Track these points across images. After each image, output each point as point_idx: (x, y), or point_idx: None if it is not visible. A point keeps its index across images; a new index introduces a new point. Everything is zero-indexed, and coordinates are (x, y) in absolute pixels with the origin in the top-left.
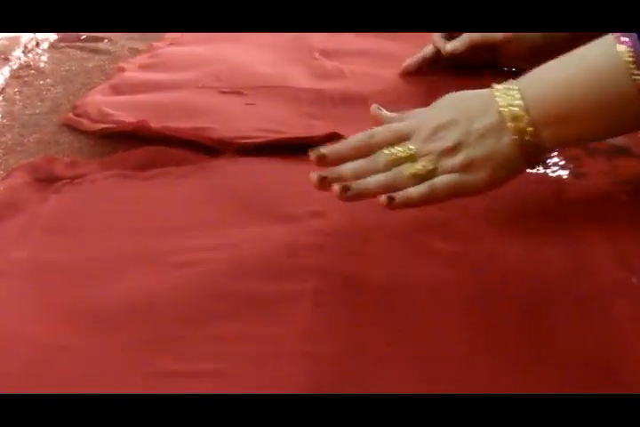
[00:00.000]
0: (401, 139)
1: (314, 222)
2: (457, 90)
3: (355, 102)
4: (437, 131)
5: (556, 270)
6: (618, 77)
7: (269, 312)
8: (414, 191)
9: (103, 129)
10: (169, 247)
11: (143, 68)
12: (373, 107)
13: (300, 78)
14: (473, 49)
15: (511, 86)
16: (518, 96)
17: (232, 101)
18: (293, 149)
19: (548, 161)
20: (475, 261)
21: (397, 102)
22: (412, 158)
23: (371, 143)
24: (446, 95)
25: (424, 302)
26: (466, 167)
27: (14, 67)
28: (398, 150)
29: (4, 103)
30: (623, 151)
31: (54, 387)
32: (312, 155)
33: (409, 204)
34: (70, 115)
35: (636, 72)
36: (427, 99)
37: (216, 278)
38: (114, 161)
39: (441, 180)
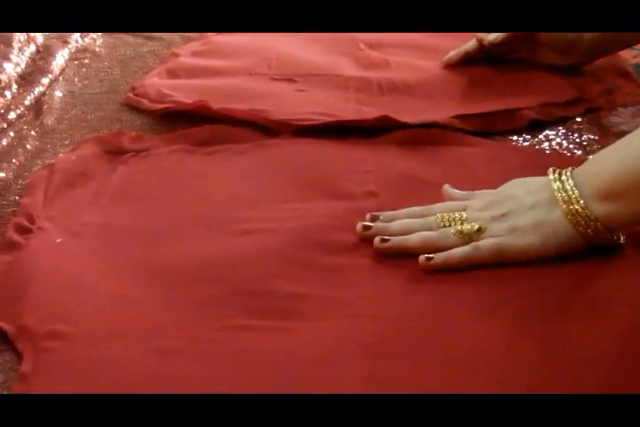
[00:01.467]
0: (457, 211)
1: (369, 201)
2: (497, 81)
3: (400, 91)
4: (492, 203)
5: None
6: None
7: (331, 279)
8: (456, 251)
9: (163, 108)
10: (231, 216)
11: (196, 54)
12: (445, 186)
13: (347, 67)
14: (514, 39)
15: (565, 170)
16: (571, 179)
17: (283, 88)
18: (345, 131)
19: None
20: None
21: (440, 91)
22: (462, 221)
23: (426, 213)
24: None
25: (472, 271)
26: (512, 231)
27: (72, 50)
28: (451, 215)
29: (64, 83)
30: None
31: (133, 336)
32: (359, 226)
33: (448, 263)
34: (130, 94)
35: None
36: (469, 88)
37: (280, 246)
38: (177, 137)
39: (486, 241)
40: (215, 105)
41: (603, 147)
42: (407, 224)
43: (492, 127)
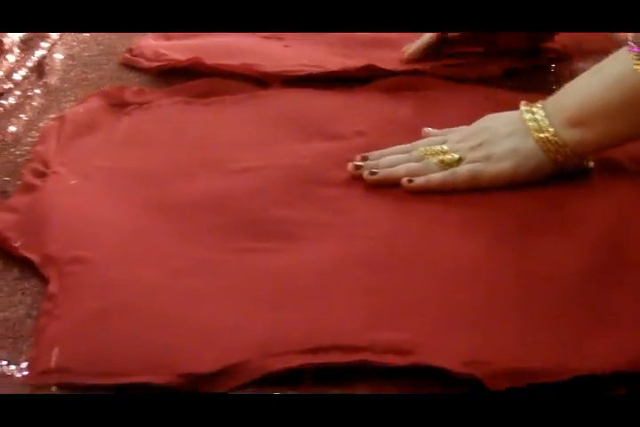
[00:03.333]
0: (438, 144)
1: (358, 140)
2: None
3: (382, 44)
4: (469, 135)
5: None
6: (628, 79)
7: (328, 206)
8: (435, 175)
9: (160, 66)
10: (232, 157)
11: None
12: (425, 128)
13: None
14: None
15: (536, 104)
16: (541, 110)
17: (273, 44)
18: (332, 81)
19: None
20: None
21: None
22: (443, 153)
23: (410, 149)
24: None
25: (455, 199)
26: (489, 158)
27: None
28: (432, 148)
29: (63, 47)
30: None
31: (147, 259)
32: (350, 166)
33: (428, 186)
34: (127, 55)
35: None
36: None
37: (278, 180)
38: (176, 90)
39: (463, 167)
40: (209, 61)
41: None
42: (394, 159)
43: (470, 74)
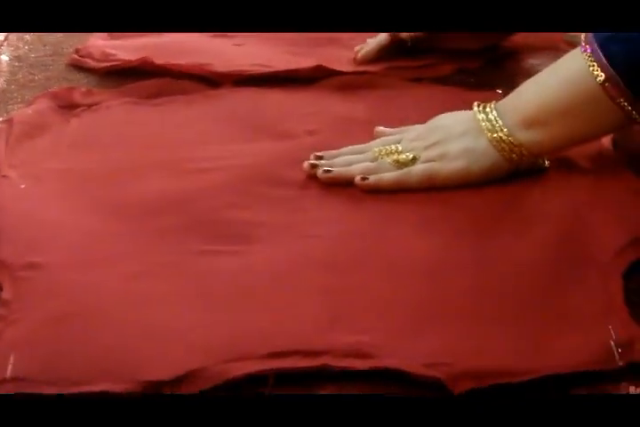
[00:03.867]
0: (392, 144)
1: (309, 139)
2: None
3: (332, 42)
4: (424, 134)
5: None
6: (583, 79)
7: (282, 206)
8: (389, 174)
9: (109, 66)
10: (184, 157)
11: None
12: (377, 127)
13: None
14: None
15: (489, 103)
16: (495, 111)
17: (222, 43)
18: (282, 80)
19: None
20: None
21: None
22: (397, 152)
23: (365, 149)
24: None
25: (411, 197)
26: (443, 157)
27: None
28: (387, 147)
29: (9, 48)
30: None
31: (101, 263)
32: (306, 164)
33: (381, 184)
34: (75, 56)
35: (597, 72)
36: None
37: (232, 181)
38: (125, 91)
39: (417, 166)
40: (158, 61)
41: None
42: (349, 159)
43: (423, 75)
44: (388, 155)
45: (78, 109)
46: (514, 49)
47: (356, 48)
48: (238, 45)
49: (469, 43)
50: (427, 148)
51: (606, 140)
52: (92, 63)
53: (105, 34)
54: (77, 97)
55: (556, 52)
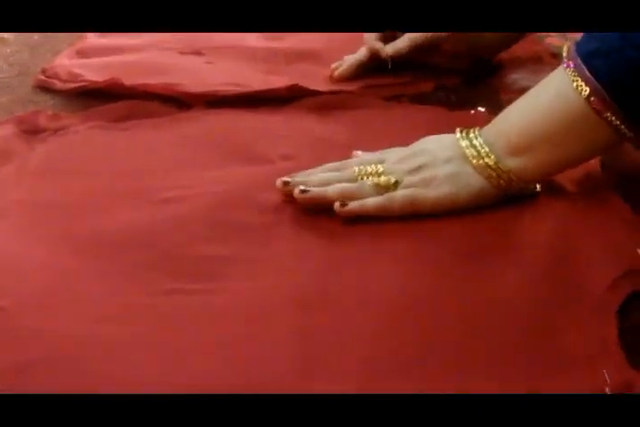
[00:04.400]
0: (373, 164)
1: (285, 164)
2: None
3: (307, 58)
4: (406, 157)
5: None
6: (568, 96)
7: (254, 237)
8: (371, 200)
9: (76, 88)
10: (153, 186)
11: (104, 34)
12: (355, 151)
13: (253, 38)
14: (415, 49)
15: (473, 129)
16: (480, 137)
17: (192, 61)
18: (255, 101)
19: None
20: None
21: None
22: (378, 174)
23: (342, 167)
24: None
25: (392, 227)
26: (428, 182)
27: None
28: (367, 168)
29: None
30: None
31: (64, 305)
32: (279, 182)
33: (362, 211)
34: (41, 76)
35: (582, 87)
36: None
37: (202, 211)
38: (93, 114)
39: (400, 191)
40: (127, 81)
41: (505, 102)
42: (325, 177)
43: (399, 93)
44: (368, 176)
45: (44, 134)
46: (495, 63)
47: (333, 65)
48: (210, 63)
49: (453, 61)
50: (410, 172)
51: (595, 163)
52: (58, 84)
53: (72, 53)
54: (43, 121)
55: (540, 65)
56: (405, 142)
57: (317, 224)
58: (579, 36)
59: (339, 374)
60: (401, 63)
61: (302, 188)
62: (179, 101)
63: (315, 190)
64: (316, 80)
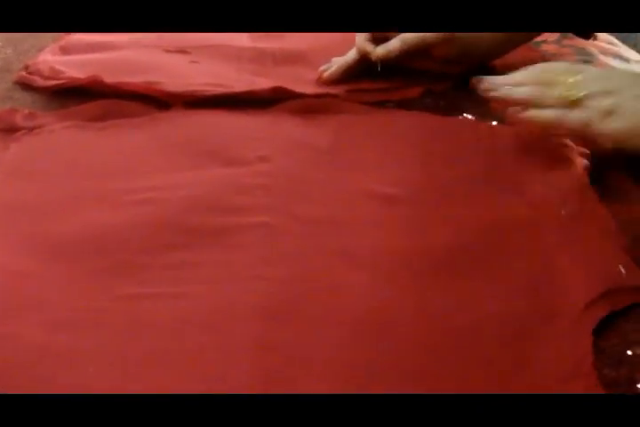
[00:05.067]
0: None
1: (261, 166)
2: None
3: (295, 61)
4: (599, 78)
5: (489, 207)
6: None
7: (223, 241)
8: (547, 112)
9: (56, 85)
10: (125, 187)
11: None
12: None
13: (241, 38)
14: (406, 52)
15: None
16: None
17: (176, 59)
18: (238, 102)
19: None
20: (406, 199)
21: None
22: (567, 85)
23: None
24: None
25: (364, 235)
26: (608, 113)
27: None
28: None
29: None
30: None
31: (21, 311)
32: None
33: (536, 120)
34: (23, 73)
35: None
36: None
37: (171, 214)
38: (70, 113)
39: (577, 113)
40: (108, 79)
41: (494, 109)
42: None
43: (385, 97)
44: (556, 85)
45: (19, 133)
46: (487, 70)
47: (321, 68)
48: (194, 62)
49: (445, 67)
50: (599, 94)
51: (583, 175)
52: (39, 81)
53: (56, 49)
54: (19, 120)
55: None
56: (386, 149)
57: (292, 228)
58: (575, 43)
59: (298, 388)
60: (390, 67)
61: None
62: (158, 101)
63: (503, 90)
64: (301, 82)
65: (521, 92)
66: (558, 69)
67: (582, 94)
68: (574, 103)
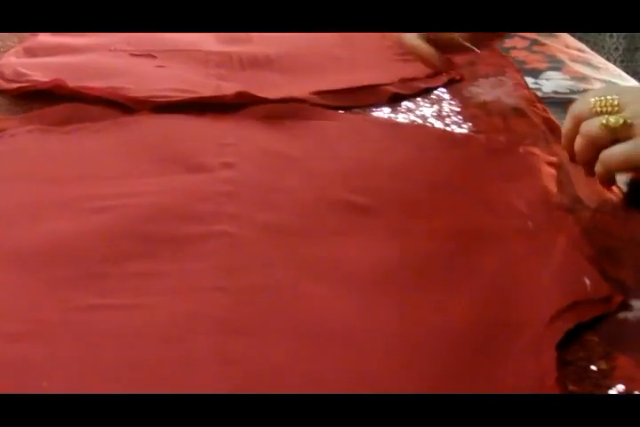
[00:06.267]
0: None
1: (225, 172)
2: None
3: (261, 65)
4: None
5: (455, 217)
6: None
7: (185, 251)
8: (618, 148)
9: (19, 88)
10: (86, 194)
11: (55, 33)
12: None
13: (208, 42)
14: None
15: None
16: None
17: (143, 64)
18: (204, 107)
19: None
20: (373, 208)
21: (302, 66)
22: (612, 106)
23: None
24: None
25: (329, 244)
26: None
27: None
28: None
29: None
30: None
31: None
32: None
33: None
34: None
35: None
36: (330, 63)
37: (132, 222)
38: (33, 117)
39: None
40: (73, 83)
41: (463, 118)
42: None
43: (352, 102)
44: (603, 107)
45: None
46: (455, 76)
47: None
48: (160, 67)
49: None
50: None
51: (551, 184)
52: (2, 84)
53: (21, 51)
54: None
55: (503, 79)
56: (353, 156)
57: (255, 239)
58: (544, 49)
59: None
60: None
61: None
62: (123, 105)
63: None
64: (268, 87)
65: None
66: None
67: (622, 120)
68: (619, 128)
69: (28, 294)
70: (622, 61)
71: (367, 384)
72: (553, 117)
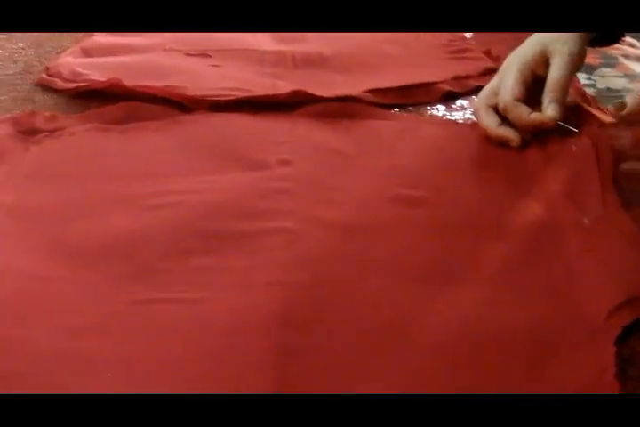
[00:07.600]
0: None
1: (282, 170)
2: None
3: (316, 63)
4: None
5: (510, 212)
6: None
7: (244, 247)
8: None
9: (77, 87)
10: (145, 192)
11: (111, 33)
12: None
13: (263, 41)
14: None
15: None
16: None
17: (198, 63)
18: (260, 106)
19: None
20: (427, 201)
21: (356, 64)
22: None
23: None
24: None
25: (386, 239)
26: None
27: None
28: None
29: None
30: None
31: (43, 315)
32: None
33: None
34: (44, 75)
35: None
36: (385, 61)
37: (192, 219)
38: (91, 115)
39: None
40: (129, 82)
41: None
42: None
43: (406, 100)
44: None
45: (40, 136)
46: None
47: None
48: (216, 66)
49: None
50: None
51: (608, 180)
52: (60, 83)
53: (77, 51)
54: (40, 122)
55: None
56: (408, 155)
57: (313, 235)
58: None
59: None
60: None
61: None
62: (180, 104)
63: None
64: (322, 85)
65: None
66: None
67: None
68: None
69: (92, 289)
70: None
71: (425, 381)
72: (606, 113)
